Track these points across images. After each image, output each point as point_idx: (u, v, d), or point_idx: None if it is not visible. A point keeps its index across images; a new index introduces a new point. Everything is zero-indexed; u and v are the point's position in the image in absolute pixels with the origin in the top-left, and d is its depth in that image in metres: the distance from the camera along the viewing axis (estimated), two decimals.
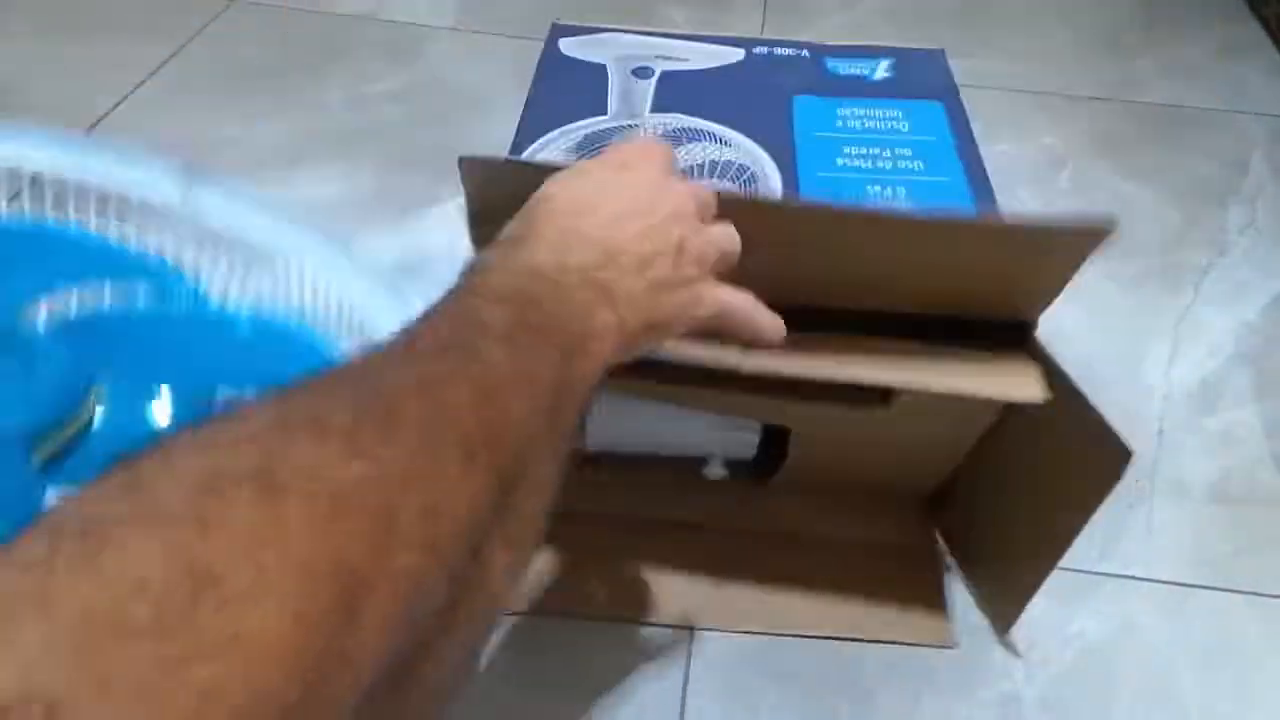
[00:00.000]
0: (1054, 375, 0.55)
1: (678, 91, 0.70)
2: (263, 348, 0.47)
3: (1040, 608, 0.64)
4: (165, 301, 0.47)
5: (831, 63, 0.73)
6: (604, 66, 0.72)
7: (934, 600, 0.64)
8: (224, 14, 1.19)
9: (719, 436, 0.64)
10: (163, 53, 1.10)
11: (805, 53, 0.74)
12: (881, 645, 0.61)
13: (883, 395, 0.57)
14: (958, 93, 0.70)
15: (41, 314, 0.46)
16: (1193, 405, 0.78)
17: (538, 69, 0.71)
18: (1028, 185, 0.99)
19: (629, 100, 0.69)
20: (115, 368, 0.45)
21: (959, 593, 0.65)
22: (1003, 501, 0.62)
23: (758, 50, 0.75)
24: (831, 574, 0.65)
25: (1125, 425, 0.76)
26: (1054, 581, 0.65)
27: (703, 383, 0.57)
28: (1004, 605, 0.63)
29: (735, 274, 0.45)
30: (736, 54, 0.74)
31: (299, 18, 1.19)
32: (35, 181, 0.50)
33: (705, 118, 0.67)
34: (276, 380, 0.25)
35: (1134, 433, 0.75)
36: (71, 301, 0.47)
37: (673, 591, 0.63)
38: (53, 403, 0.43)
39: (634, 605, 0.62)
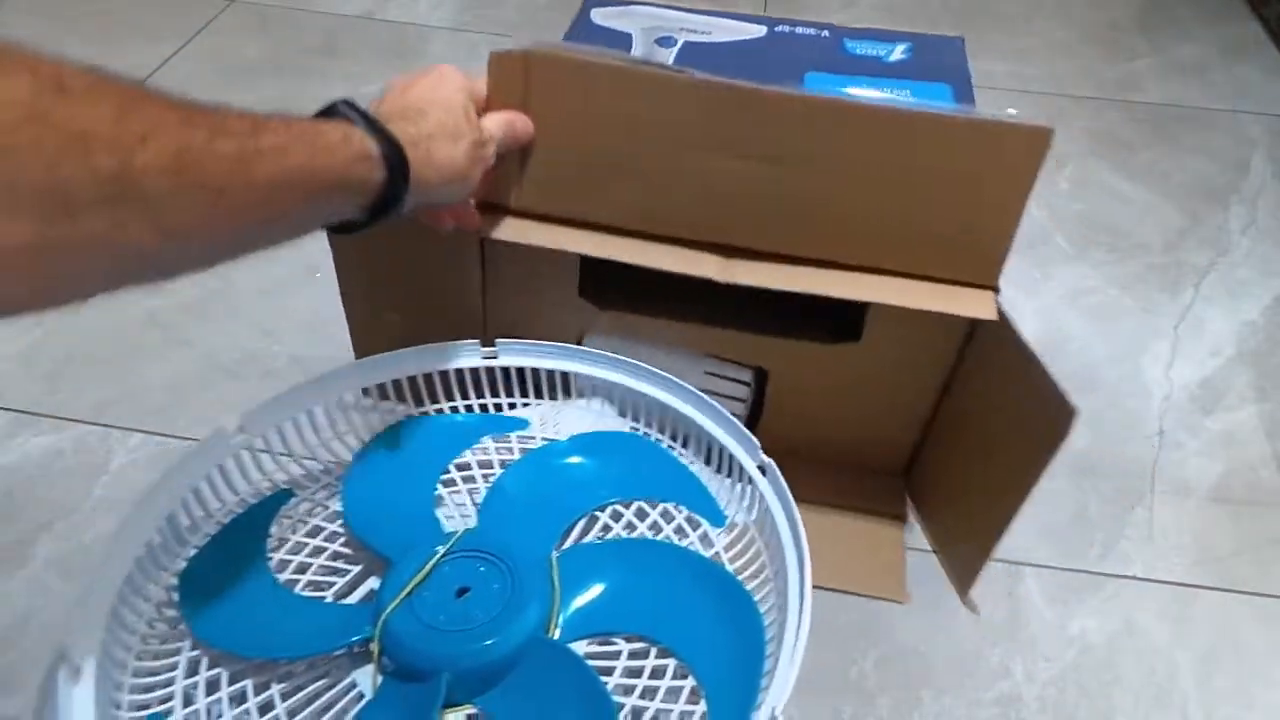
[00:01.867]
0: (1009, 336, 0.56)
1: (695, 60, 0.71)
2: None
3: (1041, 607, 0.64)
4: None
5: (850, 43, 0.75)
6: (630, 35, 0.74)
7: (893, 557, 0.66)
8: (224, 14, 1.19)
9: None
10: (163, 52, 1.10)
11: (826, 33, 0.76)
12: (882, 646, 0.61)
13: (853, 332, 0.60)
14: (969, 77, 0.71)
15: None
16: (1194, 405, 0.78)
17: (567, 34, 0.74)
18: None
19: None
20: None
21: (959, 592, 0.65)
22: (962, 465, 0.64)
23: (780, 29, 0.76)
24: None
25: (1126, 425, 0.76)
26: (1054, 581, 0.66)
27: (691, 319, 0.62)
28: (963, 568, 0.64)
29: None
30: (759, 30, 0.76)
31: (299, 18, 1.19)
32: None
33: None
34: None
35: (1135, 433, 0.76)
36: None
37: None
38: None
39: None
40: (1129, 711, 0.59)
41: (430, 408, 0.57)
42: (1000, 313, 0.56)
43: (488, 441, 0.55)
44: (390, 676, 0.42)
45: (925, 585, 0.65)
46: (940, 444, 0.66)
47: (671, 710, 0.42)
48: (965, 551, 0.64)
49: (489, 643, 0.41)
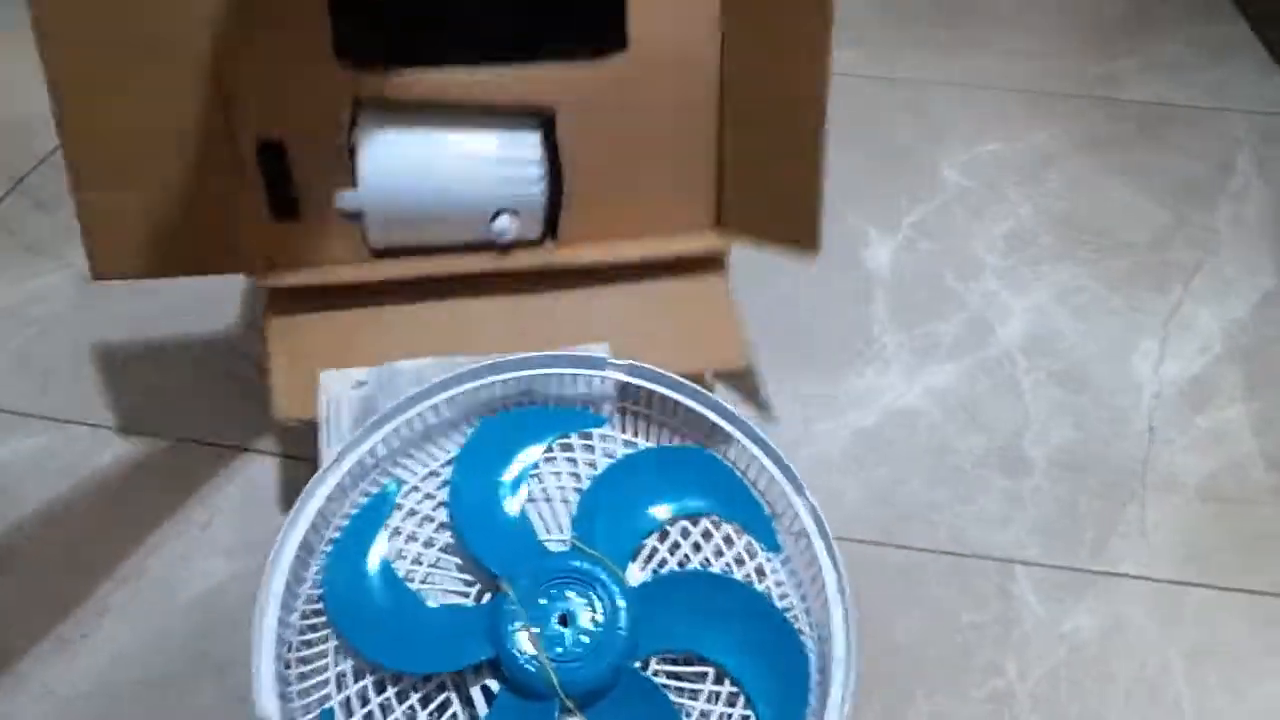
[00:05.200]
0: None
1: None
2: None
3: (1032, 605, 0.65)
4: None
5: None
6: None
7: (725, 319, 0.68)
8: None
9: (501, 171, 0.65)
10: None
11: None
12: (874, 643, 0.62)
13: (619, 39, 0.59)
14: None
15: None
16: (1183, 403, 0.79)
17: None
18: (1016, 184, 0.99)
19: None
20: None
21: (948, 580, 0.65)
22: (754, 156, 0.64)
23: None
24: (628, 305, 0.67)
25: (1116, 423, 0.77)
26: (1046, 579, 0.66)
27: (464, 61, 0.60)
28: (801, 223, 0.64)
29: None
30: None
31: None
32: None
33: None
34: None
35: (1124, 431, 0.76)
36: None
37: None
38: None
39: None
40: (1121, 708, 0.60)
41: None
42: None
43: (573, 438, 0.57)
44: (506, 690, 0.48)
45: (922, 585, 0.65)
46: (733, 148, 0.65)
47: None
48: (794, 212, 0.64)
49: (592, 670, 0.47)
